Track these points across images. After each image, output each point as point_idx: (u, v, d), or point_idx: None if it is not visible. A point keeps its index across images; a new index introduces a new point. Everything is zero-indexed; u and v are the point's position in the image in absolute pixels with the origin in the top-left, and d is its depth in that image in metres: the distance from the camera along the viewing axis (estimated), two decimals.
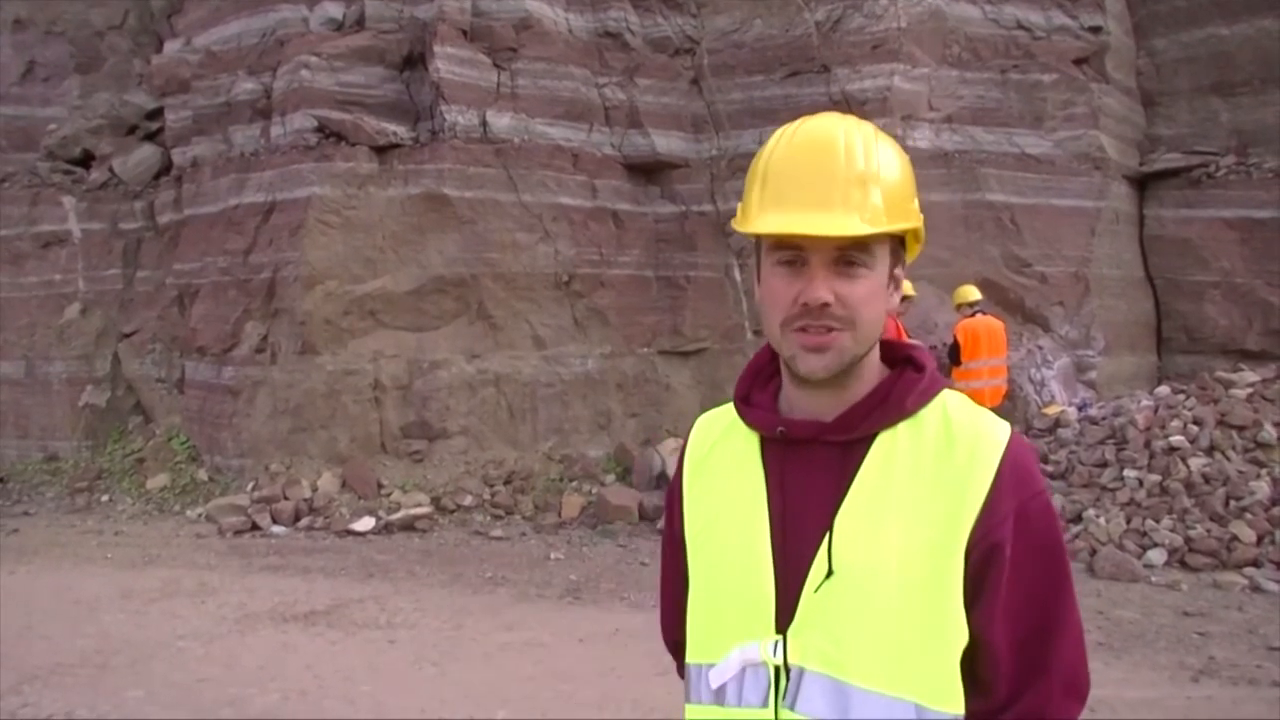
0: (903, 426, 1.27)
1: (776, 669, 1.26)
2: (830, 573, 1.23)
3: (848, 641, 1.23)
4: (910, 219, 1.29)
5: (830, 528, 1.25)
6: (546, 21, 11.04)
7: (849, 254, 1.23)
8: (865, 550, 1.23)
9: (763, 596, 1.27)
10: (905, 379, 1.30)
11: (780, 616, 1.26)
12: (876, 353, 1.32)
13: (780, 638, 1.26)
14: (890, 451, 1.26)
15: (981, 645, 1.25)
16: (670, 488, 1.48)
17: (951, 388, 1.33)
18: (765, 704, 1.26)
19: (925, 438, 1.26)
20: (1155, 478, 8.46)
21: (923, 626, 1.22)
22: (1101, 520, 8.27)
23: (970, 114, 11.63)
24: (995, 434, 1.26)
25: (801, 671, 1.24)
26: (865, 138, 1.27)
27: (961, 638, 1.24)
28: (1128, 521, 8.26)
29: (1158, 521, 8.13)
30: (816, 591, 1.24)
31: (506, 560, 8.41)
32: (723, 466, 1.38)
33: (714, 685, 1.31)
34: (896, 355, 1.35)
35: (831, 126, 1.28)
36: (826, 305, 1.23)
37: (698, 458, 1.42)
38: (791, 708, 1.25)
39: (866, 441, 1.27)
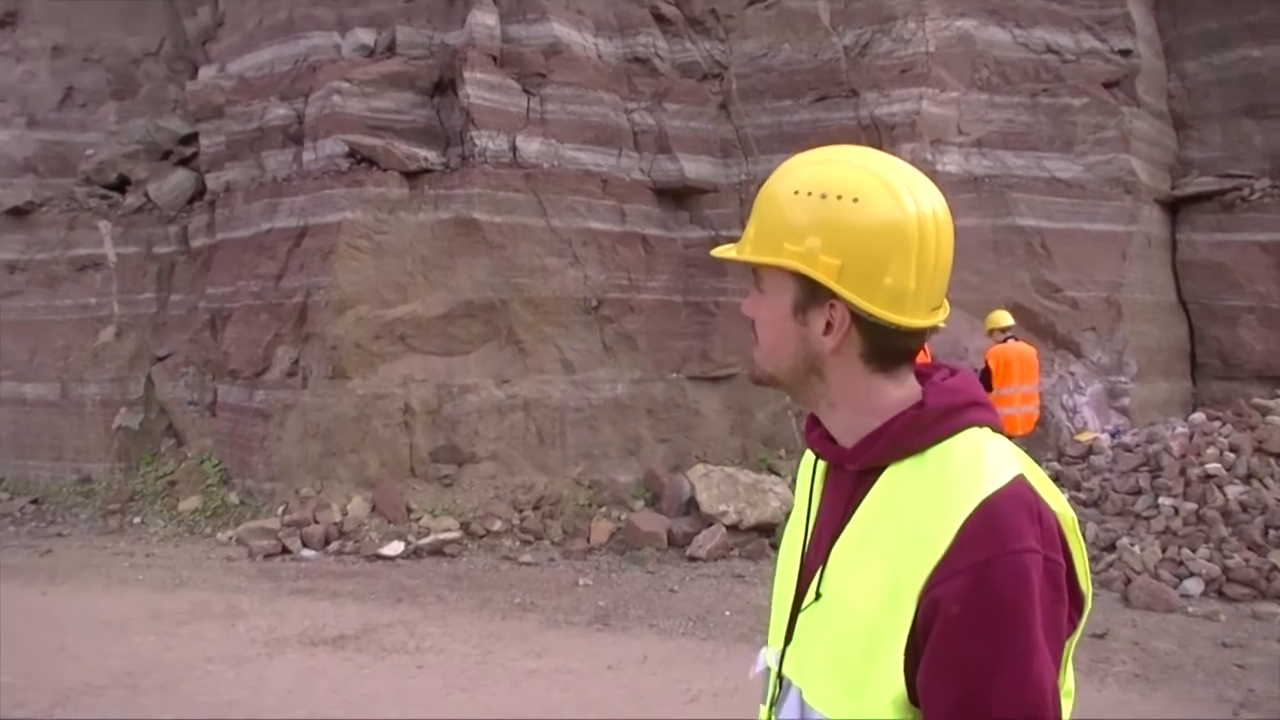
0: (908, 463, 1.28)
1: (778, 675, 1.40)
2: (818, 596, 1.32)
3: (812, 662, 1.33)
4: (770, 255, 1.33)
5: (828, 555, 1.32)
6: (575, 47, 11.11)
7: (757, 277, 1.38)
8: (846, 581, 1.29)
9: (786, 607, 1.41)
10: (906, 415, 1.31)
11: (790, 627, 1.39)
12: (860, 380, 1.33)
13: (783, 648, 1.40)
14: (890, 487, 1.29)
15: (921, 703, 1.21)
16: None
17: (985, 422, 1.31)
18: (765, 704, 1.43)
19: (923, 478, 1.26)
20: (1191, 506, 8.34)
21: (862, 664, 1.24)
22: (1136, 549, 8.17)
23: (1000, 138, 11.59)
24: (978, 483, 1.21)
25: (789, 682, 1.37)
26: (796, 180, 1.33)
27: (891, 686, 1.21)
28: (1163, 550, 8.15)
29: (1194, 550, 8.01)
30: (804, 611, 1.35)
31: (535, 586, 8.39)
32: (803, 479, 1.49)
33: (750, 677, 1.50)
34: (927, 380, 1.37)
35: (781, 167, 1.39)
36: (748, 318, 1.40)
37: (803, 464, 1.54)
38: (777, 713, 1.39)
39: (877, 473, 1.31)
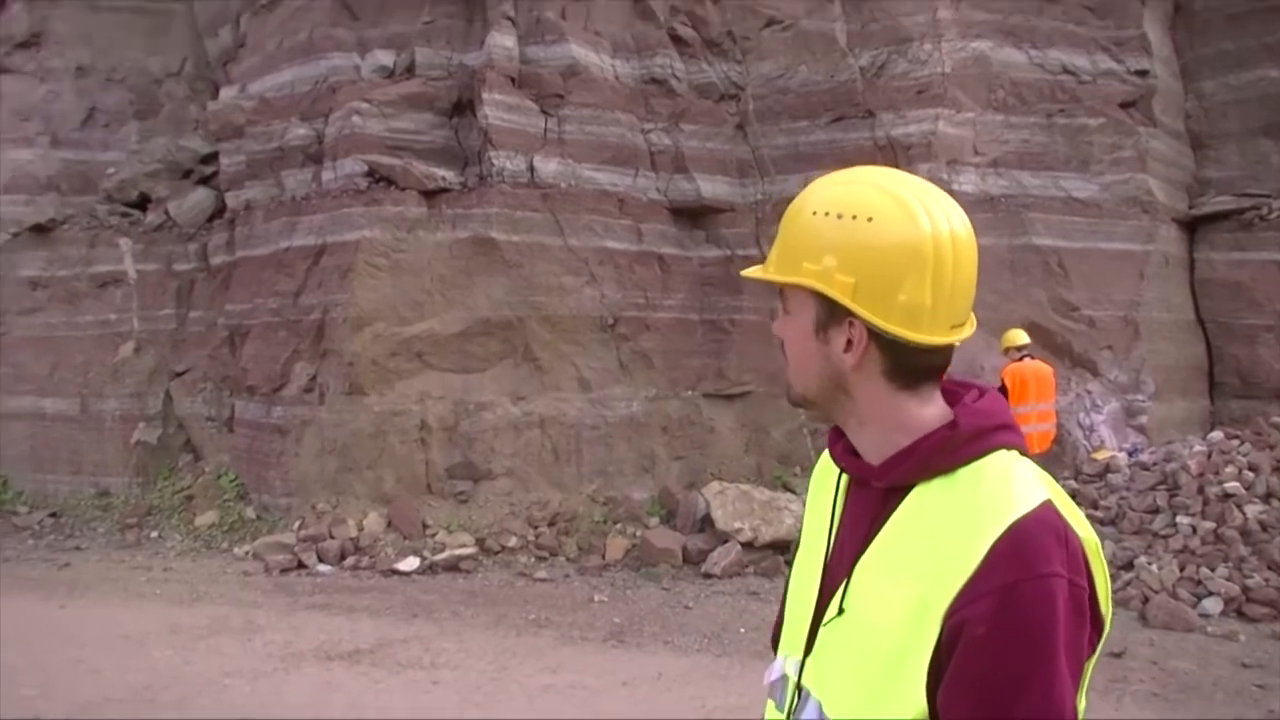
0: (937, 482, 1.30)
1: (796, 685, 1.41)
2: (841, 611, 1.33)
3: (834, 676, 1.34)
4: (789, 274, 1.36)
5: (851, 569, 1.33)
6: (593, 69, 11.20)
7: (784, 298, 1.41)
8: (870, 598, 1.30)
9: (805, 618, 1.42)
10: (937, 435, 1.32)
11: (810, 639, 1.40)
12: (885, 398, 1.35)
13: (802, 658, 1.41)
14: (919, 506, 1.30)
15: None
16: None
17: (1013, 445, 1.32)
18: (783, 713, 1.44)
19: (952, 499, 1.27)
20: (1209, 525, 8.29)
21: (884, 680, 1.25)
22: (1154, 568, 8.11)
23: (1016, 158, 11.61)
24: (1008, 507, 1.22)
25: (808, 693, 1.38)
26: (816, 201, 1.36)
27: (913, 703, 1.22)
28: (1181, 569, 8.10)
29: (1213, 570, 7.96)
30: (826, 625, 1.36)
31: (550, 602, 8.40)
32: (821, 489, 1.50)
33: (764, 683, 1.49)
34: (956, 399, 1.38)
35: (804, 190, 1.42)
36: (779, 339, 1.43)
37: (817, 476, 1.55)
38: None
39: (905, 491, 1.32)
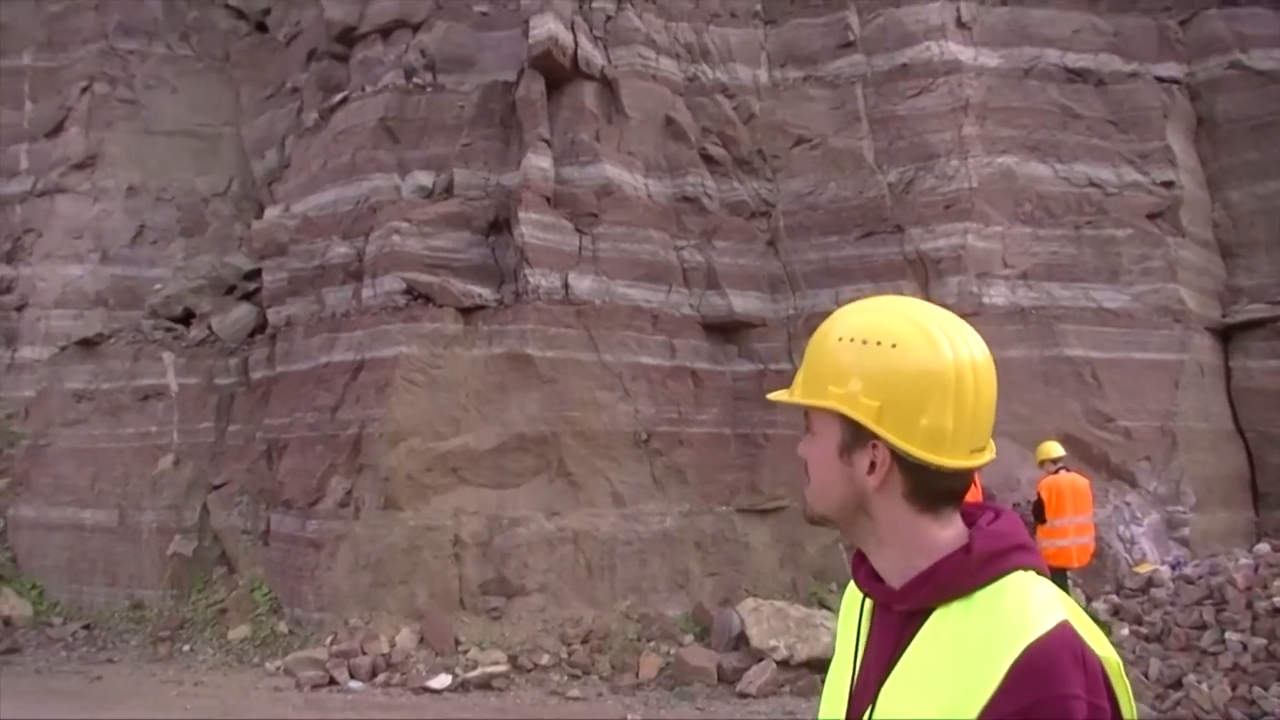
0: (955, 606, 1.33)
1: None
2: None
3: None
4: (816, 398, 1.41)
5: (876, 694, 1.36)
6: (626, 187, 11.48)
7: (808, 420, 1.46)
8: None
9: None
10: (953, 559, 1.35)
11: None
12: (905, 519, 1.38)
13: None
14: (939, 630, 1.33)
15: None
16: None
17: (1030, 566, 1.36)
18: None
19: (970, 622, 1.30)
20: (1260, 641, 8.05)
21: None
22: (1204, 687, 7.87)
23: (1045, 270, 11.70)
24: (1025, 629, 1.25)
25: None
26: (842, 328, 1.43)
27: None
28: (1233, 689, 7.84)
29: (1266, 689, 7.70)
30: None
31: None
32: (849, 612, 1.53)
33: None
34: (973, 521, 1.42)
35: (830, 317, 1.49)
36: (802, 459, 1.47)
37: (846, 599, 1.57)
38: None
39: (925, 614, 1.35)
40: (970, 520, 1.41)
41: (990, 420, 1.38)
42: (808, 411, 1.46)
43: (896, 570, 1.39)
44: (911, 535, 1.38)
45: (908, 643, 1.35)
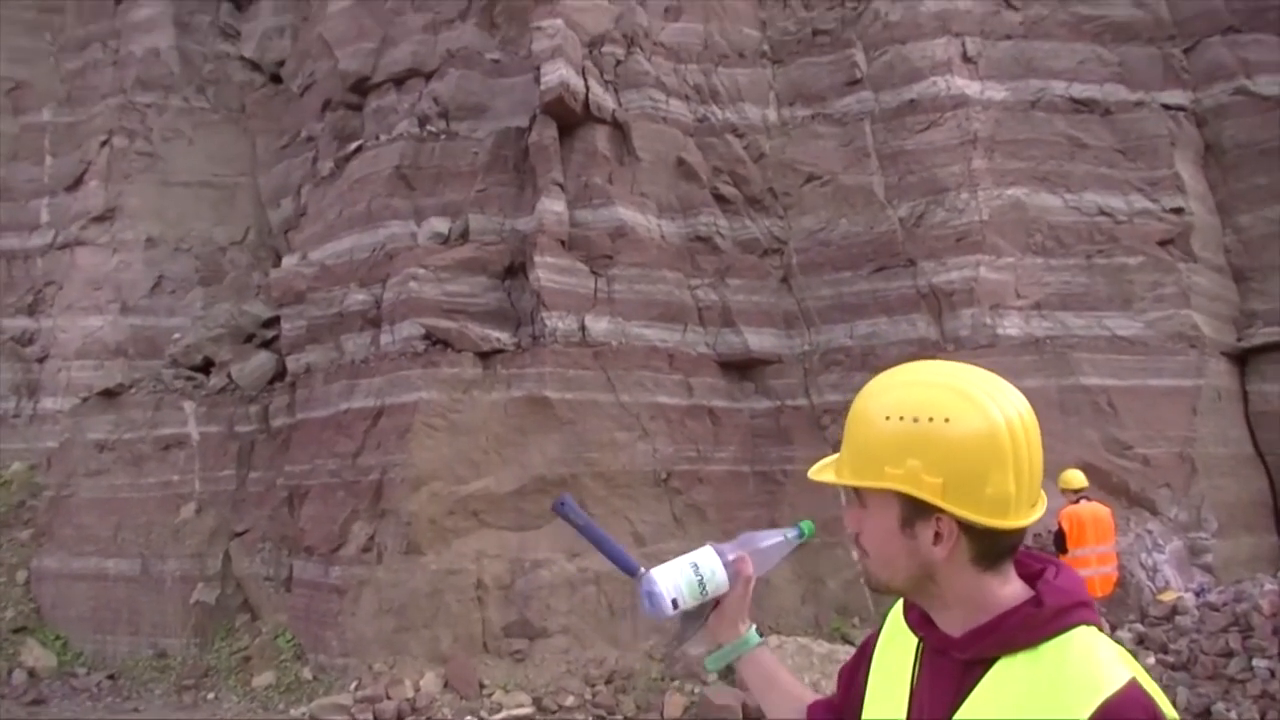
0: (1021, 657, 1.34)
1: None
2: None
3: None
4: (874, 480, 1.41)
5: None
6: (640, 229, 11.60)
7: (859, 496, 1.46)
8: None
9: None
10: (1022, 612, 1.37)
11: None
12: (971, 581, 1.41)
13: None
14: (1004, 679, 1.35)
15: None
16: (867, 640, 1.65)
17: (1092, 623, 1.39)
18: None
19: (1039, 674, 1.32)
20: None
21: None
22: (1233, 715, 7.84)
23: (1059, 300, 11.74)
24: (1098, 684, 1.27)
25: None
26: (887, 405, 1.42)
27: None
28: (1262, 716, 7.81)
29: None
30: None
31: None
32: (895, 650, 1.54)
33: None
34: (1031, 574, 1.45)
35: (865, 391, 1.48)
36: (851, 531, 1.48)
37: (888, 633, 1.58)
38: None
39: (986, 664, 1.37)
40: (1026, 572, 1.44)
41: (1041, 472, 1.40)
42: (856, 487, 1.46)
43: (956, 622, 1.42)
44: (978, 595, 1.41)
45: (969, 689, 1.37)
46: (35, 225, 15.65)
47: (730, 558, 1.73)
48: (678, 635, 1.81)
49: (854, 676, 1.62)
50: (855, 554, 1.51)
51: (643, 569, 1.75)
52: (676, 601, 1.68)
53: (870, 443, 1.42)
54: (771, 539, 1.77)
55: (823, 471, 1.52)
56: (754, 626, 1.79)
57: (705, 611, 1.74)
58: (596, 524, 1.82)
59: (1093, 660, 1.31)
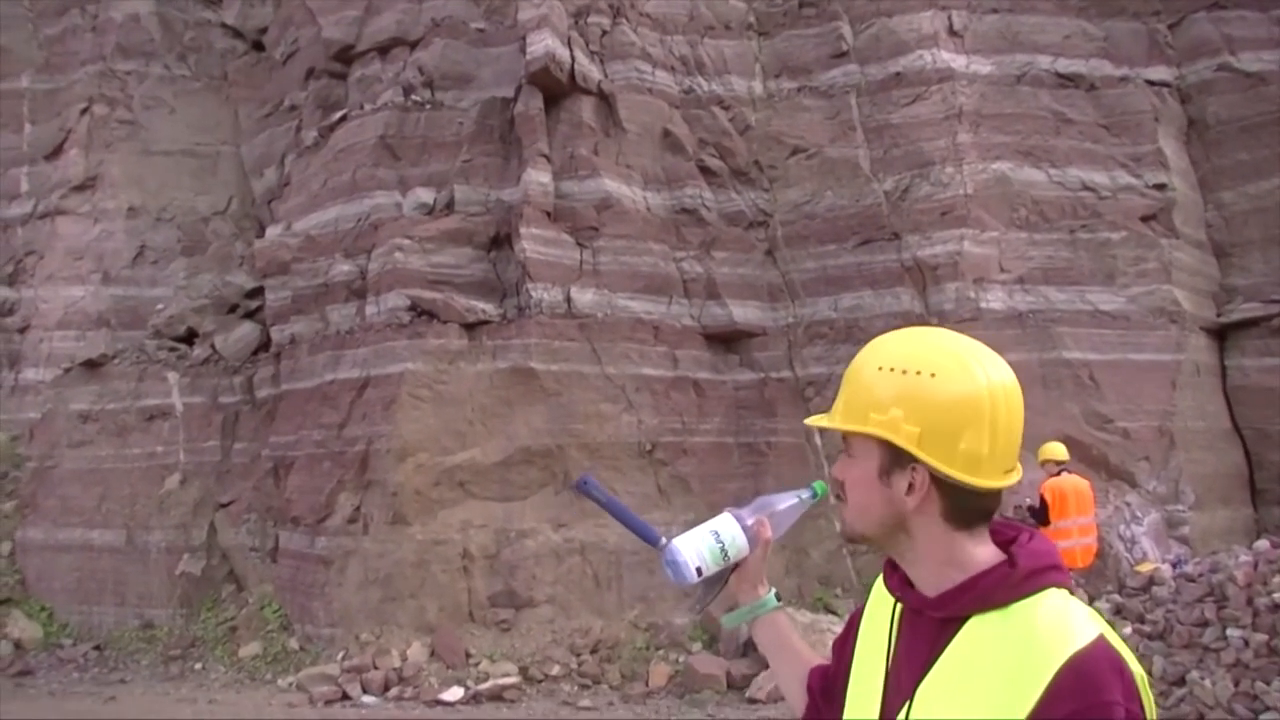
0: (993, 615, 1.39)
1: None
2: None
3: None
4: (859, 424, 1.48)
5: (912, 693, 1.43)
6: (625, 201, 11.60)
7: (846, 444, 1.53)
8: None
9: None
10: (997, 572, 1.41)
11: None
12: (940, 536, 1.46)
13: None
14: (977, 637, 1.39)
15: None
16: (855, 612, 1.71)
17: (1063, 585, 1.43)
18: None
19: (1010, 631, 1.36)
20: (1262, 637, 8.12)
21: None
22: (1207, 683, 7.95)
23: (1042, 274, 11.81)
24: (1067, 640, 1.32)
25: None
26: (881, 357, 1.50)
27: None
28: (1235, 684, 7.91)
29: (1268, 684, 7.76)
30: None
31: None
32: (877, 616, 1.59)
33: None
34: (1006, 541, 1.49)
35: (868, 346, 1.55)
36: (838, 480, 1.53)
37: (872, 602, 1.63)
38: None
39: (960, 623, 1.42)
40: (1001, 537, 1.48)
41: (1019, 442, 1.46)
42: (846, 436, 1.53)
43: (931, 582, 1.46)
44: (948, 551, 1.45)
45: (943, 647, 1.42)
46: (15, 194, 15.48)
47: (749, 522, 1.81)
48: (700, 599, 1.90)
49: (844, 647, 1.67)
50: (839, 505, 1.57)
51: (664, 539, 1.83)
52: (700, 570, 1.77)
53: (861, 389, 1.50)
54: (787, 501, 1.86)
55: (818, 419, 1.59)
56: (773, 590, 1.88)
57: (726, 575, 1.83)
58: (617, 500, 1.93)
59: (1063, 617, 1.36)
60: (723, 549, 1.79)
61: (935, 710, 1.40)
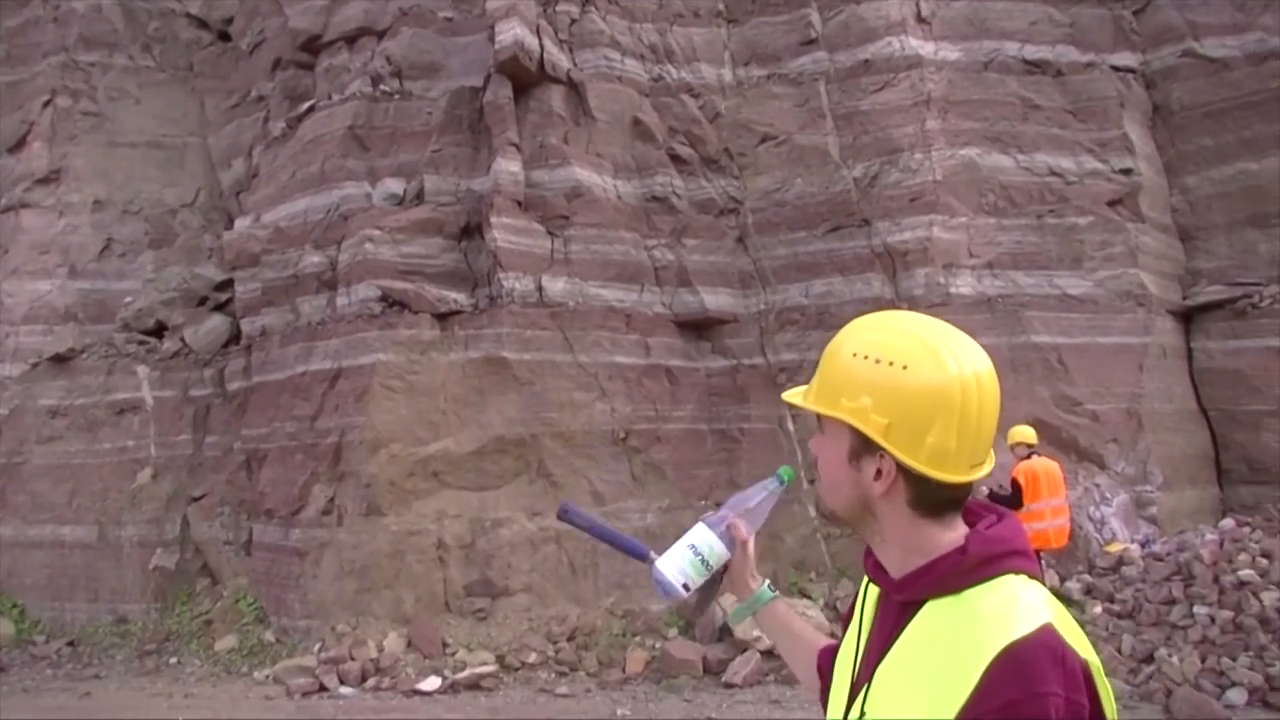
0: (947, 600, 1.39)
1: None
2: (862, 714, 1.45)
3: None
4: (829, 408, 1.50)
5: (872, 675, 1.45)
6: (596, 190, 11.59)
7: (820, 421, 1.54)
8: (887, 706, 1.40)
9: (839, 712, 1.53)
10: (949, 558, 1.41)
11: None
12: (906, 523, 1.47)
13: None
14: (929, 623, 1.40)
15: None
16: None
17: (1023, 570, 1.42)
18: None
19: (957, 617, 1.37)
20: (1227, 614, 8.32)
21: None
22: (1175, 660, 8.12)
23: (1010, 259, 11.91)
24: (1006, 629, 1.30)
25: None
26: (856, 343, 1.50)
27: None
28: (1202, 660, 8.09)
29: (1234, 659, 7.96)
30: None
31: (573, 718, 8.42)
32: (866, 598, 1.61)
33: None
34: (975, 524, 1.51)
35: (846, 328, 1.56)
36: (814, 455, 1.56)
37: (863, 586, 1.65)
38: None
39: (918, 606, 1.43)
40: (973, 522, 1.48)
41: (992, 435, 1.45)
42: (820, 415, 1.54)
43: (897, 565, 1.48)
44: (912, 536, 1.46)
45: (902, 630, 1.43)
46: None
47: (722, 528, 1.86)
48: (697, 606, 1.96)
49: (846, 625, 1.69)
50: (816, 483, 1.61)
51: (652, 554, 1.89)
52: (687, 585, 1.83)
53: (834, 374, 1.51)
54: (758, 495, 1.89)
55: (793, 395, 1.61)
56: (766, 582, 1.93)
57: (717, 579, 1.89)
58: (600, 521, 1.98)
59: (1011, 605, 1.34)
60: (702, 560, 1.84)
61: (887, 694, 1.41)
